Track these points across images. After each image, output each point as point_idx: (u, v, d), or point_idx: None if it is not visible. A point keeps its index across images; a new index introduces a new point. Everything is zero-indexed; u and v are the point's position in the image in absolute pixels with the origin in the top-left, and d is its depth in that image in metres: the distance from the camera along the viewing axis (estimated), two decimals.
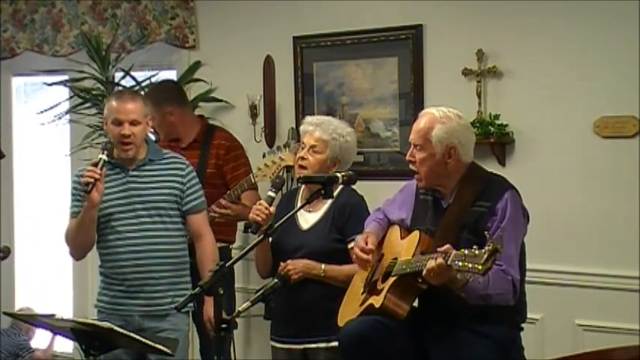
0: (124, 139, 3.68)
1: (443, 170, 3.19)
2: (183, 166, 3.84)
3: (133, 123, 3.68)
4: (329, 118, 3.91)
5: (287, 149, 4.15)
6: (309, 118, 3.89)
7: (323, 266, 3.65)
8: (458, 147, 3.17)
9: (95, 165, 3.61)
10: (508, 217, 3.07)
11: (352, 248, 3.56)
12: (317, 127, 3.76)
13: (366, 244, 3.31)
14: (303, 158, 3.75)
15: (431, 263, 2.87)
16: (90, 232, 3.71)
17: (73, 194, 3.80)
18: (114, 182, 3.74)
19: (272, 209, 3.65)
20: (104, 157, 3.62)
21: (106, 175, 3.67)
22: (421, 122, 3.22)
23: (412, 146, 3.22)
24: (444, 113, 3.20)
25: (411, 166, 3.24)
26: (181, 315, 3.75)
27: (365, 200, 3.77)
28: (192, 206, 3.81)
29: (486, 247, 2.69)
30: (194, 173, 3.87)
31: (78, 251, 3.86)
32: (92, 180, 3.56)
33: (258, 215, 3.64)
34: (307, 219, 3.76)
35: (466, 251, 2.75)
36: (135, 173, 3.76)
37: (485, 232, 2.80)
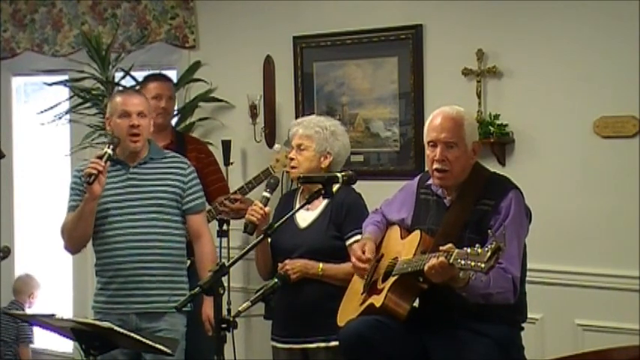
0: (133, 130, 3.69)
1: (468, 168, 3.18)
2: (185, 165, 3.85)
3: (140, 114, 3.70)
4: (312, 116, 3.96)
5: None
6: (293, 121, 3.95)
7: (321, 265, 3.65)
8: (477, 144, 3.20)
9: (100, 157, 3.61)
10: (511, 216, 3.06)
11: (350, 246, 3.59)
12: (299, 126, 3.81)
13: (364, 252, 3.29)
14: (292, 159, 3.78)
15: (432, 261, 2.87)
16: (88, 225, 3.71)
17: (72, 188, 3.80)
18: (115, 178, 3.74)
19: (267, 209, 3.66)
20: (109, 150, 3.63)
21: (108, 171, 3.68)
22: (447, 120, 3.15)
23: (439, 146, 3.13)
24: (461, 111, 3.19)
25: (437, 166, 3.14)
26: (179, 315, 3.74)
27: (362, 198, 3.78)
28: (192, 206, 3.82)
29: (489, 246, 2.69)
30: (195, 173, 3.87)
31: (74, 245, 3.85)
32: (95, 172, 3.56)
33: (253, 215, 3.65)
34: (305, 217, 3.76)
35: (468, 250, 2.75)
36: (136, 170, 3.77)
37: (489, 231, 2.80)
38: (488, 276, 2.82)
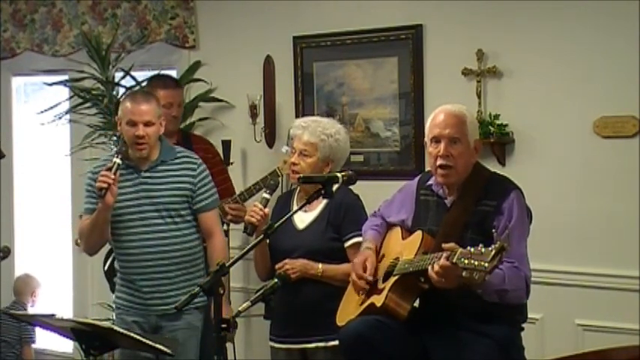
0: (138, 140, 3.71)
1: (470, 166, 3.17)
2: (195, 165, 3.86)
3: (147, 124, 3.71)
4: (317, 119, 3.90)
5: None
6: (297, 121, 3.87)
7: (320, 266, 3.65)
8: (478, 142, 3.20)
9: (109, 169, 3.63)
10: (516, 216, 3.06)
11: (349, 247, 3.60)
12: (305, 130, 3.75)
13: (364, 270, 3.26)
14: (294, 163, 3.75)
15: (435, 267, 2.86)
16: (103, 232, 3.77)
17: (87, 190, 3.83)
18: (127, 182, 3.76)
19: (267, 210, 3.66)
20: (118, 160, 3.65)
21: (120, 175, 3.70)
22: (450, 116, 3.14)
23: (443, 142, 3.11)
24: (462, 108, 3.19)
25: (442, 162, 3.12)
26: (196, 312, 3.79)
27: (360, 199, 3.77)
28: (203, 205, 3.84)
29: (494, 245, 2.68)
30: (207, 172, 3.89)
31: (90, 249, 3.93)
32: (106, 185, 3.59)
33: (253, 217, 3.64)
34: (303, 219, 3.75)
35: (472, 249, 2.73)
36: (147, 174, 3.78)
37: (493, 231, 2.79)
38: (503, 273, 2.82)
